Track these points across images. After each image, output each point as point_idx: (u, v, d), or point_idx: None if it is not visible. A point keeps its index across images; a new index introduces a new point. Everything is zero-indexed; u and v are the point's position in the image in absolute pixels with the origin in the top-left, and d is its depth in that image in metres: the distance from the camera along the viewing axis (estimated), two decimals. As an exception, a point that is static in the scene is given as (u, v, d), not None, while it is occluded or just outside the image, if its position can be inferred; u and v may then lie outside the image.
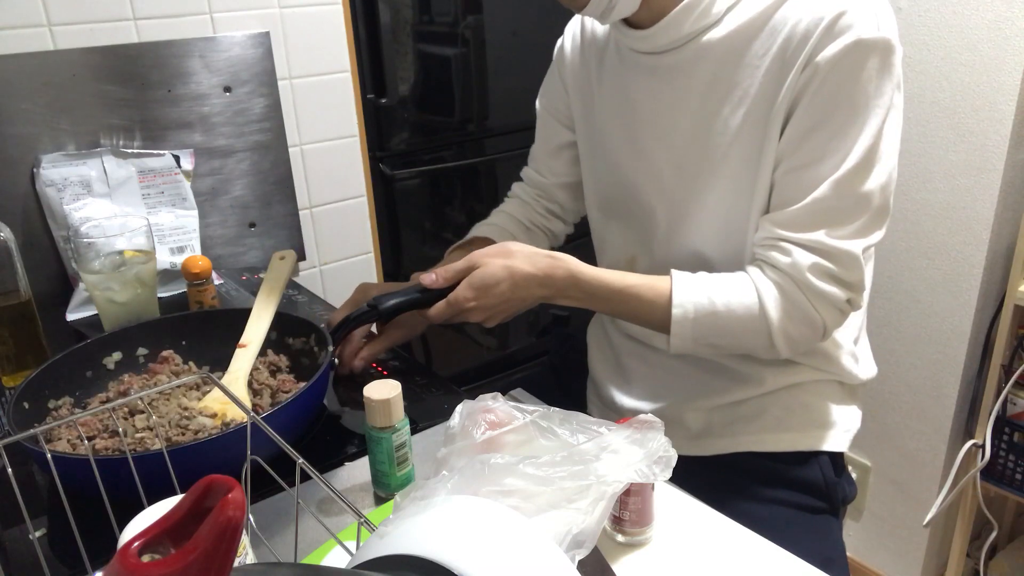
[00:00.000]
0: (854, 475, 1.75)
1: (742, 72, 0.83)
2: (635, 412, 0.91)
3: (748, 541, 0.70)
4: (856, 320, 0.97)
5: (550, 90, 1.09)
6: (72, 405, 0.86)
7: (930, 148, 1.54)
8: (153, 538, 0.33)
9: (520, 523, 0.42)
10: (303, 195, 1.49)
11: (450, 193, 1.71)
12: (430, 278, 0.87)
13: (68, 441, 0.77)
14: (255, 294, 0.96)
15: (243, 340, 0.90)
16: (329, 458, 0.82)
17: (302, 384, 0.85)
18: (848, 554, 1.40)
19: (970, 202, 1.50)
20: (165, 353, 0.93)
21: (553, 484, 0.53)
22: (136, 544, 0.33)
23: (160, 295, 1.20)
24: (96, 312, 1.08)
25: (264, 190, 1.42)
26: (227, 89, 1.34)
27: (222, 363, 0.88)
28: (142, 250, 1.05)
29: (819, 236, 0.80)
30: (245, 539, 0.58)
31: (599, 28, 1.00)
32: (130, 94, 1.25)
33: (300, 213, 1.49)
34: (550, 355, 1.32)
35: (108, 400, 0.87)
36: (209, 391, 0.85)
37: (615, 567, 0.66)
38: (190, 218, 1.30)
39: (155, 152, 1.28)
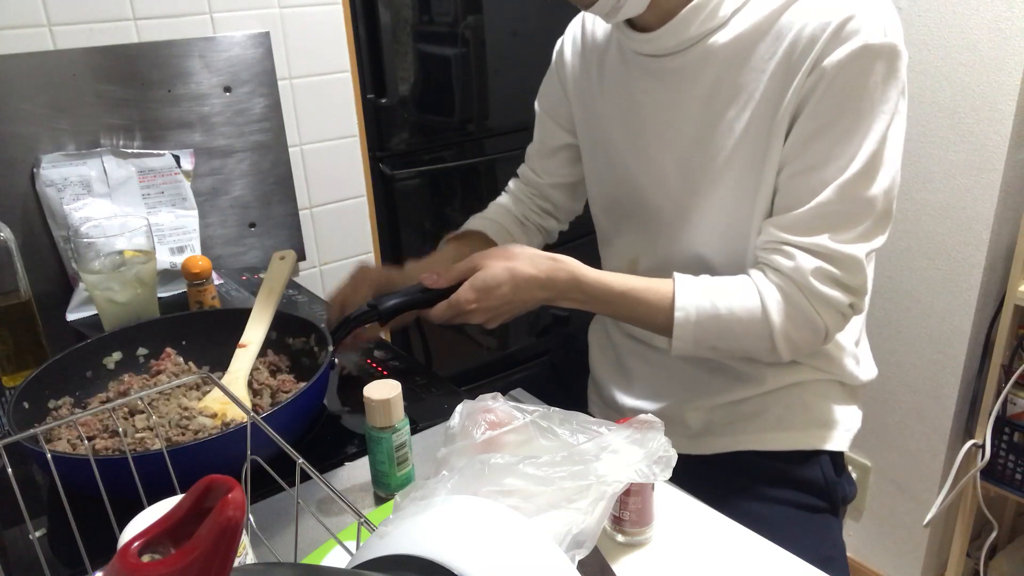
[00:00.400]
0: (854, 475, 1.75)
1: (747, 75, 0.82)
2: (636, 411, 0.91)
3: (748, 540, 0.70)
4: (857, 322, 0.97)
5: (548, 92, 1.09)
6: (72, 405, 0.86)
7: (930, 148, 1.54)
8: (153, 538, 0.33)
9: (520, 523, 0.42)
10: (303, 195, 1.49)
11: (450, 193, 1.71)
12: (431, 278, 0.87)
13: (68, 441, 0.77)
14: (255, 294, 0.97)
15: (243, 340, 0.90)
16: (329, 458, 0.82)
17: (302, 384, 0.85)
18: (848, 554, 1.40)
19: (970, 202, 1.50)
20: (165, 353, 0.93)
21: (553, 484, 0.53)
22: (136, 544, 0.33)
23: (160, 295, 1.20)
24: (96, 312, 1.08)
25: (264, 190, 1.42)
26: (227, 89, 1.34)
27: (222, 363, 0.88)
28: (142, 250, 1.05)
29: (822, 240, 0.80)
30: (245, 539, 0.58)
31: (600, 30, 0.99)
32: (130, 94, 1.25)
33: (300, 213, 1.49)
34: (550, 355, 1.32)
35: (108, 400, 0.87)
36: (209, 391, 0.85)
37: (615, 567, 0.66)
38: (190, 218, 1.30)
39: (155, 152, 1.28)
